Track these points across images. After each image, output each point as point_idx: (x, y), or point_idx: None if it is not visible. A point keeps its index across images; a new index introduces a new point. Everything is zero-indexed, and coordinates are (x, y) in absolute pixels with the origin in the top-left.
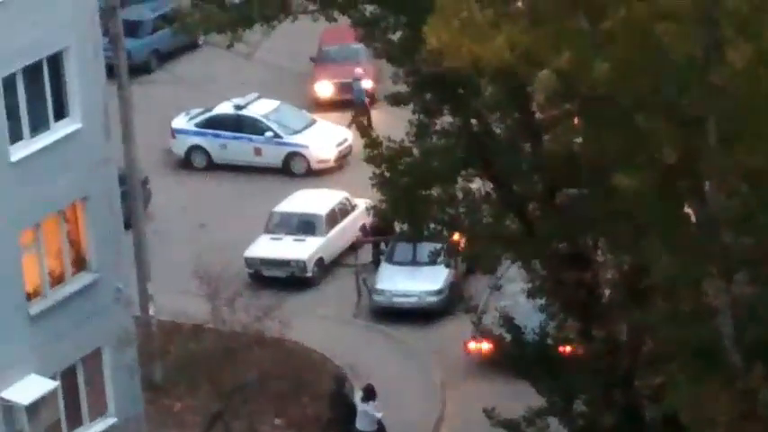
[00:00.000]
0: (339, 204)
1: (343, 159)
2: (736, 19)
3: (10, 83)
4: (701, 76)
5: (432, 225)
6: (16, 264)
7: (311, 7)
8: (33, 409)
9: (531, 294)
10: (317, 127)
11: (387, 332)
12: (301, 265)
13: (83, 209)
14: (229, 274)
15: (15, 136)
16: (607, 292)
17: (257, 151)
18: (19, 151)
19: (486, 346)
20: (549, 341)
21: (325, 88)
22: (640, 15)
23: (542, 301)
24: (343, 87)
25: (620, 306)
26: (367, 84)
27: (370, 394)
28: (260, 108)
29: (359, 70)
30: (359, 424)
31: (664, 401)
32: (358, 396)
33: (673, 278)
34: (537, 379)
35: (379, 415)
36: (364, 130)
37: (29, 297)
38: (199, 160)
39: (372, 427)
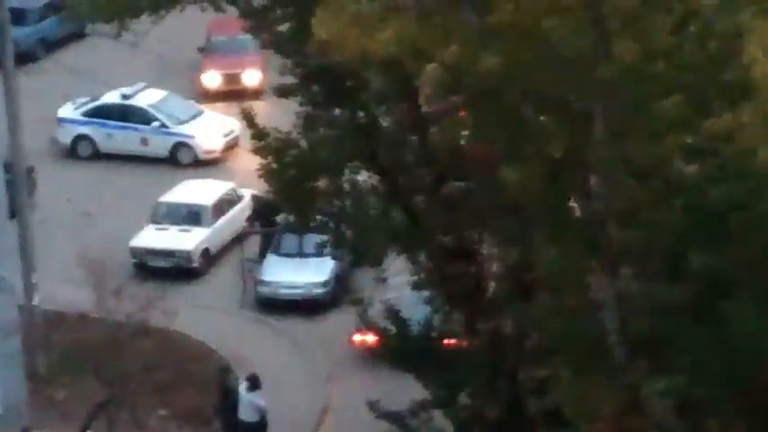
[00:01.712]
0: (226, 195)
1: (230, 150)
2: (623, 15)
3: None
4: (589, 71)
5: (318, 217)
6: None
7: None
8: None
9: (416, 287)
10: (205, 117)
11: (272, 324)
12: (186, 255)
13: None
14: (114, 263)
15: None
16: (492, 285)
17: (144, 141)
18: None
19: (371, 338)
20: (434, 334)
21: (212, 79)
22: (528, 10)
23: (427, 294)
24: (231, 78)
25: (505, 299)
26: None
27: (254, 384)
28: (147, 98)
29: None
30: (242, 414)
31: (548, 395)
32: (243, 386)
33: (558, 272)
34: (421, 372)
35: (263, 404)
36: (251, 121)
37: None
38: (84, 149)
39: (256, 417)
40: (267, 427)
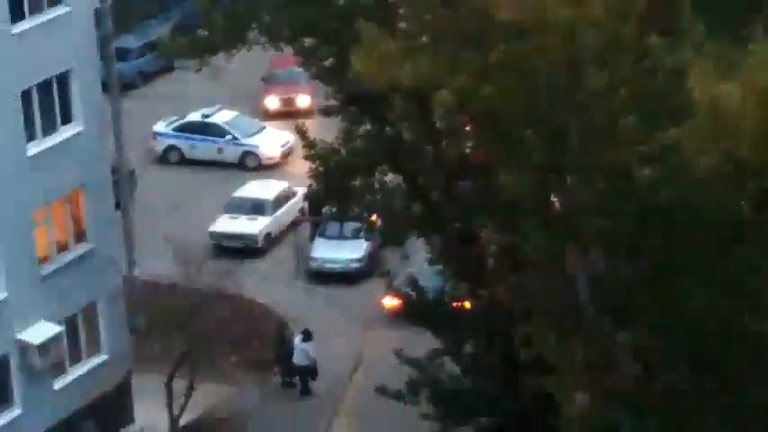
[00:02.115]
0: (283, 191)
1: (286, 157)
2: (593, 54)
3: (27, 95)
4: (566, 96)
5: (355, 208)
6: (30, 236)
7: (263, 39)
8: (43, 348)
9: (431, 262)
10: (266, 132)
11: (319, 291)
12: (253, 238)
13: (83, 193)
14: (197, 244)
15: (30, 136)
16: (491, 261)
17: (219, 150)
18: (33, 148)
19: (396, 302)
20: (445, 298)
21: (272, 102)
22: (518, 51)
23: (440, 268)
24: (287, 101)
25: (500, 272)
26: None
27: (307, 336)
28: (222, 117)
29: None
30: (297, 359)
31: (534, 347)
32: (297, 338)
33: (541, 252)
34: (435, 327)
35: (313, 353)
36: (303, 134)
37: (40, 261)
38: (173, 157)
39: (307, 362)
40: (316, 370)
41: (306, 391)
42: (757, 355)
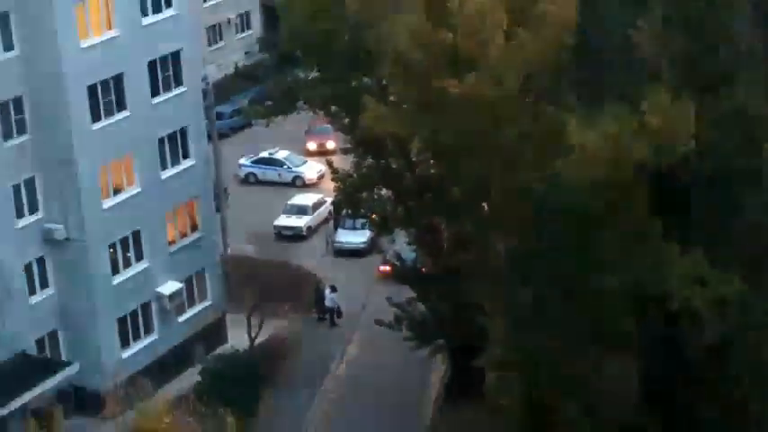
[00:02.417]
0: (318, 200)
1: (320, 179)
2: (508, 116)
3: (162, 141)
4: (491, 141)
5: (362, 211)
6: (164, 228)
7: (305, 107)
8: (171, 297)
9: (409, 243)
10: (308, 164)
11: (341, 261)
12: (300, 229)
13: (196, 202)
14: (266, 233)
15: (163, 165)
16: (445, 243)
17: (279, 175)
18: (165, 174)
19: (387, 268)
20: (418, 266)
21: (311, 145)
22: (463, 112)
23: (414, 247)
24: (320, 145)
25: (451, 250)
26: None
27: (333, 289)
28: (281, 154)
29: None
30: (327, 303)
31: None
32: (328, 290)
33: (473, 239)
34: (412, 284)
35: (338, 299)
36: (331, 165)
37: (169, 243)
38: (251, 179)
39: (334, 305)
40: (341, 311)
41: (333, 324)
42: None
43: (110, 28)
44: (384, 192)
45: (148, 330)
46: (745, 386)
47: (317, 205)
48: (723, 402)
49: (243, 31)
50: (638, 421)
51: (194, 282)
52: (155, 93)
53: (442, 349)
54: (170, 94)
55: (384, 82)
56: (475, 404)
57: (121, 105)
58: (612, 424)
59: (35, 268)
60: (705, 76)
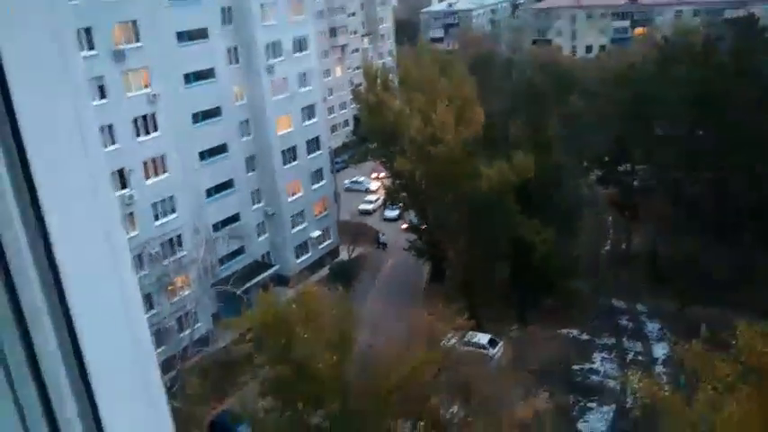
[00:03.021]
0: (377, 197)
1: (378, 188)
2: (455, 158)
3: (312, 175)
4: (452, 172)
5: (395, 202)
6: (313, 209)
7: (372, 159)
8: (317, 237)
9: (415, 215)
10: (373, 182)
11: (387, 224)
12: (370, 210)
13: (326, 198)
14: (355, 211)
15: (312, 183)
16: (430, 216)
17: (361, 187)
18: (314, 186)
19: (405, 226)
20: (418, 225)
21: (374, 175)
22: (438, 160)
23: (417, 217)
24: (378, 174)
25: (434, 218)
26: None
27: (383, 234)
28: (362, 178)
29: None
30: (381, 240)
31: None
32: (381, 235)
33: (443, 214)
34: (416, 233)
35: (385, 238)
36: (383, 183)
37: (315, 215)
38: (350, 189)
39: (385, 240)
40: (386, 243)
41: (384, 248)
42: (498, 240)
43: (290, 126)
44: (404, 194)
45: (306, 251)
46: (553, 273)
47: (377, 199)
48: (543, 279)
49: (345, 127)
50: (508, 289)
51: (326, 231)
52: (310, 153)
53: (428, 258)
54: (315, 154)
55: (405, 147)
56: (442, 284)
57: (295, 159)
58: (498, 290)
59: (260, 226)
60: (538, 145)
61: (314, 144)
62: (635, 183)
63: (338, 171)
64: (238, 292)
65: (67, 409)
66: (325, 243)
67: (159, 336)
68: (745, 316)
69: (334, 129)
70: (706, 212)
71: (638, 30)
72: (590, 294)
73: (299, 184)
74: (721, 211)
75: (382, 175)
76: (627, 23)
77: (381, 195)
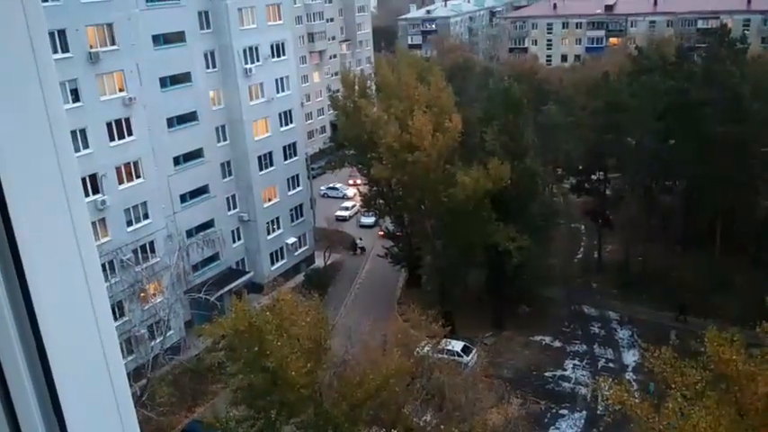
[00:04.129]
0: (353, 204)
1: (354, 195)
2: (433, 168)
3: (288, 181)
4: (426, 180)
5: (371, 209)
6: (288, 215)
7: (348, 166)
8: (292, 244)
9: (392, 222)
10: (350, 189)
11: (364, 230)
12: (346, 216)
13: (302, 204)
14: (331, 217)
15: (289, 189)
16: (407, 221)
17: (337, 194)
18: (290, 192)
19: (382, 233)
20: (396, 232)
21: (351, 182)
22: (414, 167)
23: (394, 224)
24: (355, 182)
25: (410, 225)
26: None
27: (361, 239)
28: (338, 185)
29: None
30: (359, 244)
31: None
32: (359, 240)
33: (418, 221)
34: (392, 240)
35: (362, 242)
36: (359, 190)
37: (291, 221)
38: (326, 196)
39: (362, 245)
40: (364, 247)
41: (363, 252)
42: (473, 247)
43: (267, 131)
44: (380, 201)
45: (282, 258)
46: (529, 280)
47: (353, 206)
48: (518, 287)
49: (322, 133)
50: (484, 295)
51: (302, 238)
52: (285, 159)
53: (403, 266)
54: (291, 160)
55: (382, 154)
56: (418, 290)
57: (271, 164)
58: (473, 296)
59: (235, 232)
60: (514, 153)
61: (291, 150)
62: (608, 191)
63: (315, 177)
64: (212, 300)
65: (34, 420)
66: (301, 250)
67: (130, 343)
68: (716, 323)
69: (311, 135)
70: (677, 221)
71: (613, 40)
72: (563, 301)
73: (275, 190)
74: (692, 220)
75: (359, 181)
76: (602, 33)
77: (358, 202)
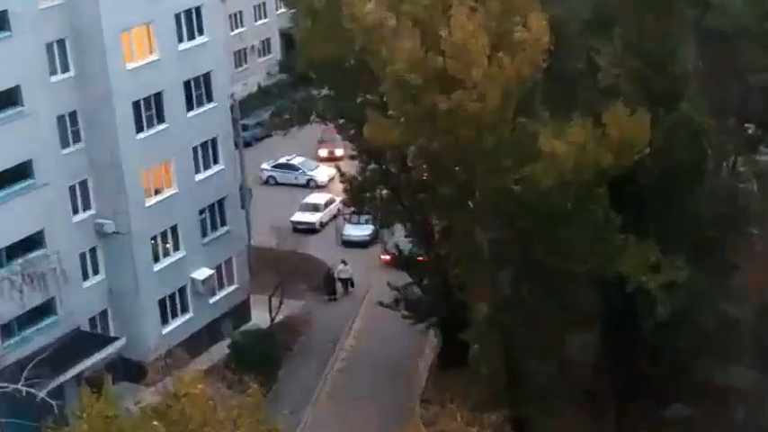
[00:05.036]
0: (329, 199)
1: (330, 182)
2: (489, 125)
3: (195, 149)
4: (475, 148)
5: (366, 208)
6: (198, 223)
7: (318, 120)
8: (204, 281)
9: (406, 236)
10: (321, 168)
11: (348, 251)
12: (313, 224)
13: (225, 201)
14: (284, 227)
15: (197, 170)
16: (437, 234)
17: (296, 178)
18: (199, 177)
19: (388, 257)
20: (413, 255)
21: (323, 152)
22: (451, 124)
23: (411, 238)
24: (330, 152)
25: (441, 241)
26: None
27: (345, 263)
28: (297, 160)
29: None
30: (341, 275)
31: (459, 278)
32: (341, 265)
33: (462, 229)
34: (409, 271)
35: (351, 271)
36: (339, 170)
37: (202, 235)
38: (271, 181)
39: (348, 275)
40: (353, 280)
41: (346, 292)
42: (569, 280)
43: (151, 53)
44: (384, 192)
45: (184, 310)
46: (689, 353)
47: (327, 203)
48: (668, 367)
49: (264, 55)
50: (597, 385)
51: (223, 268)
52: (189, 108)
53: (433, 325)
54: (202, 109)
55: (385, 98)
56: (462, 371)
57: (161, 119)
58: (576, 387)
59: (88, 257)
60: (657, 92)
61: (200, 88)
62: None
63: (250, 144)
64: (40, 396)
65: None
66: (223, 293)
67: None
68: None
69: (240, 59)
70: None
71: None
72: (763, 396)
73: (168, 172)
74: None
75: (339, 152)
76: None
77: (338, 195)
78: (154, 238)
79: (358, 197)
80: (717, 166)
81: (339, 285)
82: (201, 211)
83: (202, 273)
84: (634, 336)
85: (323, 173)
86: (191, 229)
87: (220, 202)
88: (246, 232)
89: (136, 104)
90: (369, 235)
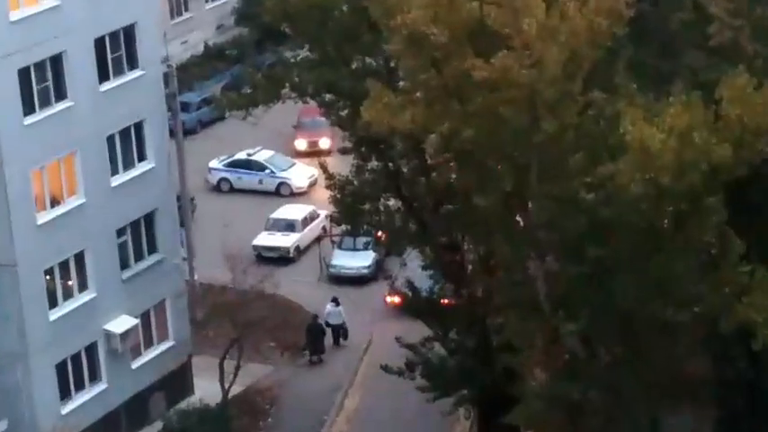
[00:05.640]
0: (309, 213)
1: (311, 187)
2: (547, 104)
3: (111, 139)
4: (527, 137)
5: (365, 226)
6: (114, 247)
7: (293, 95)
8: (124, 336)
9: (424, 268)
10: (297, 167)
11: (338, 290)
12: (286, 250)
13: (156, 214)
14: (242, 255)
15: (114, 170)
16: (470, 267)
17: (260, 181)
18: (116, 180)
19: (396, 299)
20: (435, 296)
21: (301, 144)
22: (491, 101)
23: (431, 272)
24: (312, 143)
25: (477, 276)
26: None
27: (336, 302)
28: (262, 155)
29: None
30: (331, 320)
31: (503, 332)
32: (330, 305)
33: (508, 258)
34: (427, 319)
35: (343, 315)
36: (325, 169)
37: (122, 267)
38: (224, 186)
39: (340, 320)
40: (347, 328)
41: (337, 344)
42: (667, 335)
43: None
44: (392, 202)
45: (95, 378)
46: None
47: (307, 220)
48: None
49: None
50: None
51: (152, 316)
52: (103, 78)
53: (465, 401)
54: (122, 80)
55: (393, 64)
56: None
57: (61, 94)
58: None
59: None
60: None
61: (118, 48)
62: None
63: (193, 132)
64: None
65: None
66: (151, 353)
67: None
68: None
69: (179, 4)
70: None
71: None
72: None
73: (71, 172)
74: None
75: (325, 144)
76: None
77: (324, 208)
78: (49, 271)
79: (352, 210)
80: None
81: (322, 350)
82: (121, 232)
83: (121, 323)
84: (763, 413)
85: (300, 174)
86: (104, 257)
87: (148, 218)
88: (188, 263)
89: (24, 72)
90: (368, 266)
